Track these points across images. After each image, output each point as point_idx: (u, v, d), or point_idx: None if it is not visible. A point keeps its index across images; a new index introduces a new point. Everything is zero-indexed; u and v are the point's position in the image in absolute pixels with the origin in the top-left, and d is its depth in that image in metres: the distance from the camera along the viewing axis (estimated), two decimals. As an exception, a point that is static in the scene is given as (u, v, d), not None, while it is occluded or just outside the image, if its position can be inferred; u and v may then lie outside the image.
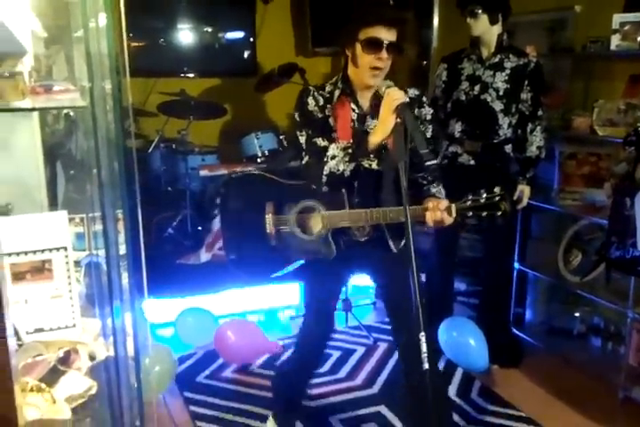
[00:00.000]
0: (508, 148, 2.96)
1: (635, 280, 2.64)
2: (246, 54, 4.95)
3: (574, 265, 3.15)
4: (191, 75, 4.73)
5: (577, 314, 3.26)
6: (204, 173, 4.01)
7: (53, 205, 1.92)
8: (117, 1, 1.33)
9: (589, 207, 2.99)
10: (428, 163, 1.71)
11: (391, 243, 1.99)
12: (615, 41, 2.76)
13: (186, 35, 4.77)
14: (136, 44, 4.48)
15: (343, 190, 1.94)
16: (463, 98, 2.97)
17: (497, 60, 2.91)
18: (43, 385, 1.26)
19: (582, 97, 3.30)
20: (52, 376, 1.35)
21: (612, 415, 2.64)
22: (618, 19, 2.74)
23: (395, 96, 1.80)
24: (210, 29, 4.85)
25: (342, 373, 2.99)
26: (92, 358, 1.40)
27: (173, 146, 4.23)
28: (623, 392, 2.72)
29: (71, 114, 1.31)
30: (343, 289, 2.87)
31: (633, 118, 2.76)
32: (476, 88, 2.94)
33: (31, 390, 1.27)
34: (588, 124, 2.91)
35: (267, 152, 4.22)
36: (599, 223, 2.93)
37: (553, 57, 3.30)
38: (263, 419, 2.52)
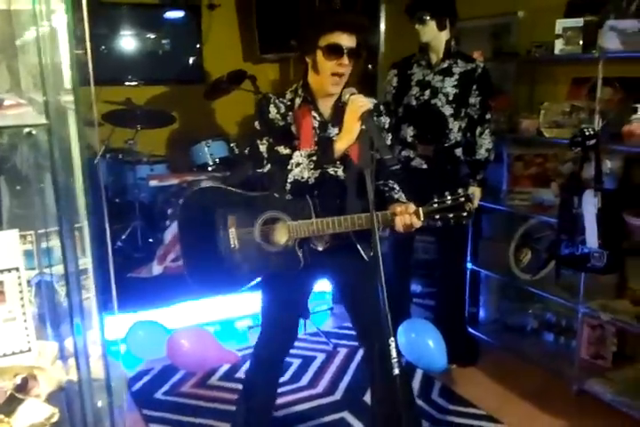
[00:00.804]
0: (459, 151, 3.02)
1: (584, 276, 2.73)
2: (193, 61, 4.90)
3: (525, 263, 3.24)
4: (136, 83, 4.62)
5: (529, 311, 3.36)
6: (153, 183, 3.93)
7: (-2, 222, 1.84)
8: (74, 7, 1.28)
9: (537, 207, 3.07)
10: (393, 168, 1.72)
11: (362, 250, 1.99)
12: (559, 45, 2.85)
13: (128, 42, 4.69)
14: (77, 51, 4.35)
15: (308, 199, 1.92)
16: (414, 103, 3.02)
17: (446, 65, 2.96)
18: (1, 416, 1.20)
19: (527, 100, 3.40)
20: (10, 405, 1.28)
21: (567, 408, 2.73)
22: (561, 24, 2.83)
23: (360, 103, 1.80)
24: (153, 36, 4.78)
25: (304, 381, 2.98)
26: (60, 387, 1.34)
27: (120, 156, 4.13)
28: (577, 385, 2.81)
29: (33, 132, 1.26)
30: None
31: (577, 120, 2.86)
32: (426, 93, 2.98)
33: (-12, 421, 1.21)
34: (535, 127, 3.00)
35: (218, 160, 4.18)
36: (547, 222, 3.02)
37: (498, 61, 3.38)
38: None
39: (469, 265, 3.34)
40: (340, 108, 1.91)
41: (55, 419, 1.28)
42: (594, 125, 2.63)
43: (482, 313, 3.52)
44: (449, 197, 1.84)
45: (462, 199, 1.83)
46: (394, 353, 1.54)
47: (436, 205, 1.85)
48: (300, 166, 1.88)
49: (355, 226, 1.87)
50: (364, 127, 1.77)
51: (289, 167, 1.89)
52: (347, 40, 1.85)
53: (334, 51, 1.85)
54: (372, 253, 1.90)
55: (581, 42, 2.73)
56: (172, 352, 2.95)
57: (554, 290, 2.97)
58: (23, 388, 1.33)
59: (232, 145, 4.28)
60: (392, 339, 1.55)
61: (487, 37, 3.60)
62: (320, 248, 1.98)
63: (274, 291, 2.14)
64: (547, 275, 3.04)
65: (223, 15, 4.87)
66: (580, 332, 2.91)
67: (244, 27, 4.99)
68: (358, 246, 1.98)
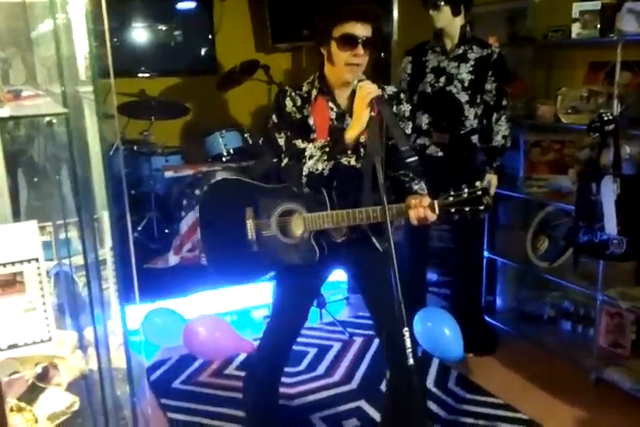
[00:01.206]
0: (475, 138, 2.99)
1: (603, 264, 2.70)
2: (205, 52, 4.88)
3: (542, 251, 3.21)
4: (149, 74, 4.64)
5: (547, 299, 3.33)
6: (168, 174, 3.94)
7: (16, 214, 1.85)
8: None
9: (555, 194, 3.04)
10: (409, 160, 1.69)
11: (376, 242, 1.97)
12: (576, 29, 2.80)
13: (141, 34, 4.68)
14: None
15: (324, 191, 1.90)
16: (429, 90, 2.99)
17: (461, 51, 2.93)
18: (23, 404, 1.22)
19: (545, 85, 3.36)
20: (31, 394, 1.30)
21: (586, 397, 2.71)
22: (577, 7, 2.78)
23: (367, 89, 1.77)
24: (167, 27, 4.77)
25: (320, 370, 2.99)
26: (81, 375, 1.35)
27: (135, 147, 4.14)
28: (596, 374, 2.79)
29: (53, 121, 1.26)
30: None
31: (595, 105, 2.82)
32: (442, 80, 2.95)
33: (11, 410, 1.22)
34: (553, 113, 2.96)
35: (232, 151, 4.17)
36: (565, 209, 2.99)
37: (514, 46, 3.33)
38: (241, 421, 2.48)
39: (486, 253, 3.32)
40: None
41: (76, 407, 1.30)
42: (612, 110, 2.58)
43: (499, 302, 3.50)
44: (466, 191, 1.77)
45: (479, 193, 1.77)
46: (408, 343, 1.53)
47: (451, 199, 1.78)
48: (314, 159, 1.87)
49: (370, 219, 1.83)
50: (373, 114, 1.75)
51: (303, 160, 1.88)
52: (361, 30, 1.82)
53: (349, 41, 1.82)
54: (386, 244, 1.88)
55: (599, 25, 2.68)
56: (188, 340, 2.97)
57: (572, 278, 2.94)
58: (44, 377, 1.35)
59: (246, 135, 4.27)
60: (406, 329, 1.54)
61: (502, 22, 3.55)
62: (338, 240, 1.97)
63: (288, 280, 2.13)
64: (564, 263, 3.00)
65: (235, 5, 4.85)
66: (599, 320, 2.88)
67: (255, 16, 4.97)
68: (373, 238, 1.96)
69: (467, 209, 1.77)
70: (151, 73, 4.63)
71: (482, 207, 1.76)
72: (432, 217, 1.78)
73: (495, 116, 2.96)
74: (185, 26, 4.81)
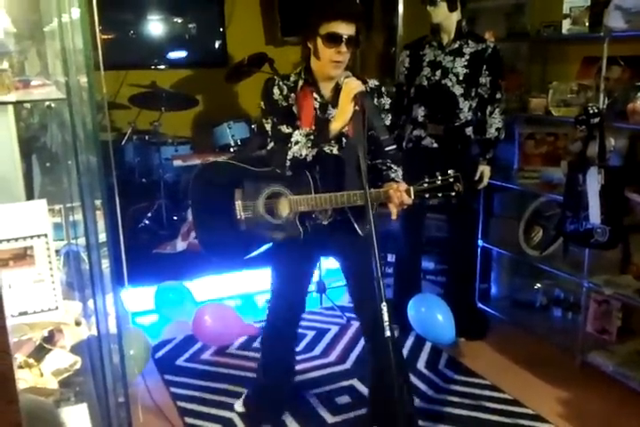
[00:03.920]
0: (469, 130, 3.09)
1: (589, 252, 2.80)
2: (217, 45, 5.00)
3: (535, 241, 3.32)
4: (162, 66, 4.78)
5: (539, 287, 3.44)
6: (177, 163, 4.08)
7: (30, 197, 1.99)
8: None
9: (547, 185, 3.13)
10: (388, 148, 1.83)
11: (357, 226, 2.11)
12: (566, 25, 2.89)
13: (156, 26, 4.80)
14: (106, 36, 4.51)
15: (309, 175, 2.05)
16: (425, 83, 3.09)
17: (456, 46, 3.03)
18: (31, 360, 1.36)
19: (540, 79, 3.44)
20: (39, 354, 1.44)
21: (570, 379, 2.82)
22: (568, 4, 2.87)
23: (352, 85, 1.91)
24: (179, 20, 4.89)
25: (317, 350, 3.13)
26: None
27: (146, 137, 4.29)
28: (581, 357, 2.90)
29: (52, 106, 1.40)
30: (315, 272, 2.98)
31: (585, 98, 2.90)
32: (437, 73, 3.06)
33: (20, 366, 1.37)
34: (544, 106, 3.05)
35: (239, 141, 4.30)
36: (557, 200, 3.07)
37: (511, 41, 3.43)
38: (240, 396, 2.64)
39: (481, 243, 3.43)
40: (339, 90, 2.02)
41: (77, 366, 1.44)
42: (599, 104, 2.67)
43: (493, 289, 3.61)
44: (439, 178, 1.96)
45: (452, 180, 1.94)
46: (386, 317, 1.66)
47: (426, 185, 1.98)
48: (299, 144, 2.01)
49: (351, 202, 2.00)
50: (357, 108, 1.88)
51: (289, 145, 2.02)
52: (345, 29, 1.96)
53: (333, 39, 1.96)
54: (367, 228, 2.02)
55: (588, 21, 2.76)
56: (197, 330, 3.13)
57: (561, 266, 3.04)
58: (50, 340, 1.49)
59: (253, 126, 4.40)
60: (384, 304, 1.66)
61: (502, 17, 3.63)
62: (325, 222, 2.11)
63: (282, 265, 2.29)
64: (555, 251, 3.10)
65: (245, -1, 4.96)
66: (586, 306, 2.98)
67: (266, 9, 5.07)
68: (353, 222, 2.10)
69: (439, 195, 1.93)
70: (164, 65, 4.78)
71: (453, 193, 1.91)
72: (408, 201, 1.96)
73: (489, 108, 3.06)
74: (198, 19, 4.93)
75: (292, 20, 4.89)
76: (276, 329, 2.42)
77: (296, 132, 2.03)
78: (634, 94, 2.60)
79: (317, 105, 2.10)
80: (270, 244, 2.18)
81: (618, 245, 2.65)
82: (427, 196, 1.97)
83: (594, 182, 2.60)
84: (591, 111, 2.57)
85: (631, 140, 2.78)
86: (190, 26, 4.94)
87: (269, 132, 2.09)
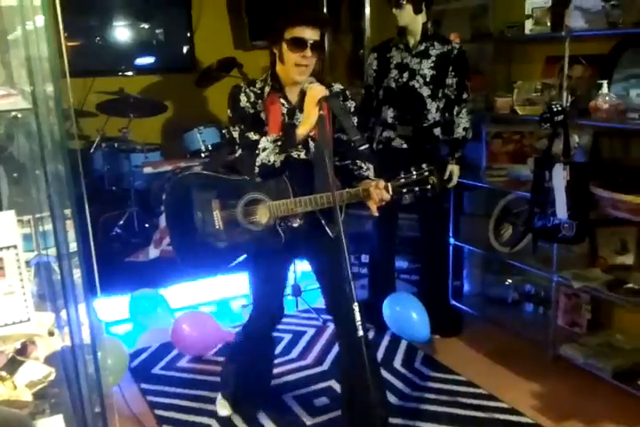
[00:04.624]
0: (437, 130, 3.14)
1: (557, 247, 2.86)
2: (185, 50, 4.98)
3: (505, 237, 3.37)
4: (129, 73, 4.75)
5: (510, 283, 3.50)
6: (147, 170, 4.04)
7: (-1, 208, 1.96)
8: (53, 3, 1.39)
9: (515, 182, 3.19)
10: (362, 148, 1.86)
11: (327, 227, 2.13)
12: (529, 25, 2.95)
13: (122, 32, 4.76)
14: (72, 43, 4.46)
15: (286, 179, 2.06)
16: (393, 85, 3.13)
17: (423, 48, 3.07)
18: (3, 373, 1.35)
19: (505, 79, 3.51)
20: (12, 366, 1.43)
21: (543, 372, 2.88)
22: (530, 4, 2.93)
23: (316, 91, 1.95)
24: (146, 26, 4.85)
25: (294, 353, 3.14)
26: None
27: (115, 145, 4.25)
28: (552, 351, 2.96)
29: (19, 116, 1.39)
30: (290, 275, 3.01)
31: (548, 97, 2.97)
32: (405, 75, 3.10)
33: (-8, 379, 1.35)
34: (510, 105, 3.11)
35: (210, 146, 4.29)
36: (525, 197, 3.13)
37: (476, 42, 3.48)
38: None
39: (452, 241, 3.48)
40: (305, 96, 2.04)
41: (52, 377, 1.43)
42: (562, 102, 2.74)
43: (466, 286, 3.67)
44: (414, 172, 1.99)
45: (426, 173, 1.98)
46: (358, 317, 1.68)
47: (402, 180, 2.01)
48: (267, 151, 2.02)
49: (330, 203, 2.01)
50: (322, 113, 1.91)
51: (257, 152, 2.03)
52: (310, 34, 1.99)
53: (298, 44, 1.99)
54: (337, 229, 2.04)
55: (549, 21, 2.83)
56: (177, 340, 3.11)
57: (531, 262, 3.10)
58: (23, 351, 1.48)
59: (224, 131, 4.39)
60: (356, 304, 1.68)
61: (466, 19, 3.70)
62: (295, 224, 2.13)
63: (259, 269, 2.30)
64: (525, 247, 3.17)
65: (213, 3, 4.94)
66: (556, 300, 3.04)
67: (233, 14, 5.06)
68: (323, 223, 2.12)
69: (416, 189, 1.96)
70: (131, 71, 4.74)
71: (429, 186, 1.95)
72: (387, 197, 1.99)
73: (456, 109, 3.11)
74: (165, 24, 4.90)
75: (259, 24, 4.90)
76: (258, 332, 2.44)
77: (263, 138, 2.05)
78: (596, 92, 2.66)
79: (285, 110, 2.12)
80: (251, 252, 2.18)
81: (585, 240, 2.71)
82: (404, 191, 2.00)
83: (560, 178, 2.66)
84: (555, 109, 2.63)
85: (594, 137, 2.84)
86: (157, 31, 4.91)
87: (237, 140, 2.10)
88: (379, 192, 1.99)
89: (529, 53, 3.37)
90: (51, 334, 1.52)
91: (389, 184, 2.00)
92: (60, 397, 1.47)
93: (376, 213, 2.03)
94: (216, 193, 2.12)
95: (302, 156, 2.11)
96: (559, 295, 3.08)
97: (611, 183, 2.59)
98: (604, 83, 2.61)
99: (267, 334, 2.48)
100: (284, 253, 2.24)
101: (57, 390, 1.46)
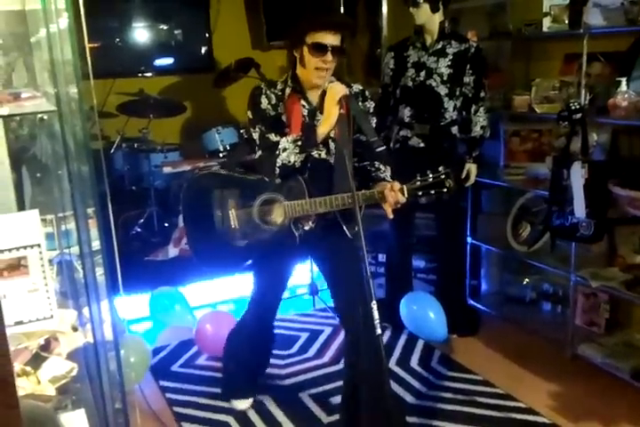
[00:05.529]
0: (455, 129, 3.13)
1: (575, 245, 2.85)
2: (203, 50, 5.02)
3: (523, 236, 3.36)
4: (149, 74, 4.80)
5: (528, 282, 3.48)
6: (167, 170, 4.09)
7: (21, 208, 2.01)
8: (77, 6, 1.41)
9: (533, 181, 3.17)
10: (379, 149, 1.87)
11: (345, 228, 2.13)
12: (547, 23, 2.94)
13: (142, 34, 4.81)
14: (92, 45, 4.53)
15: (301, 180, 2.07)
16: (410, 84, 3.13)
17: (440, 46, 3.07)
18: (28, 368, 1.39)
19: (524, 77, 3.49)
20: (36, 362, 1.47)
21: (561, 372, 2.86)
22: (548, 2, 2.92)
23: (336, 89, 1.96)
24: (165, 27, 4.90)
25: (311, 352, 3.15)
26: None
27: (135, 145, 4.30)
28: (571, 350, 2.94)
29: (45, 118, 1.42)
30: (306, 274, 3.02)
31: (567, 95, 2.95)
32: (422, 74, 3.10)
33: (17, 375, 1.39)
34: (528, 103, 3.09)
35: (228, 146, 4.33)
36: (543, 195, 3.12)
37: (494, 40, 3.47)
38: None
39: (469, 240, 3.47)
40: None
41: (74, 373, 1.47)
42: (581, 100, 2.72)
43: (483, 285, 3.65)
44: (430, 175, 1.98)
45: (443, 176, 1.97)
46: (376, 315, 1.69)
47: (418, 183, 2.00)
48: (287, 151, 2.04)
49: (345, 204, 2.02)
50: (342, 112, 1.92)
51: (277, 153, 2.04)
52: (331, 39, 2.00)
53: (319, 48, 2.01)
54: (355, 229, 2.04)
55: (567, 19, 2.81)
56: (200, 340, 3.14)
57: (549, 261, 3.08)
58: (47, 347, 1.52)
59: (242, 131, 4.42)
60: (374, 302, 1.69)
61: (484, 17, 3.68)
62: (307, 227, 2.14)
63: (264, 267, 2.32)
64: (543, 246, 3.15)
65: (231, 3, 4.97)
66: (574, 300, 3.02)
67: (251, 14, 5.09)
68: (342, 223, 2.12)
69: (432, 192, 1.96)
70: (150, 72, 4.80)
71: (445, 190, 1.95)
72: (402, 200, 1.98)
73: (474, 107, 3.11)
74: (183, 25, 4.95)
75: (277, 24, 4.93)
76: (251, 324, 2.48)
77: (283, 139, 2.06)
78: (614, 89, 2.64)
79: (306, 112, 2.13)
80: (265, 251, 2.20)
81: (603, 238, 2.69)
82: (420, 194, 1.99)
83: (578, 177, 2.64)
84: (573, 107, 2.61)
85: (613, 135, 2.82)
86: (176, 32, 4.96)
87: (257, 141, 2.12)
88: (394, 195, 1.97)
89: (547, 51, 3.35)
90: (75, 329, 1.56)
91: (405, 187, 1.99)
92: (82, 392, 1.51)
93: (391, 216, 2.03)
94: (232, 192, 2.15)
95: (323, 155, 2.13)
96: (577, 295, 3.06)
97: (629, 181, 2.57)
98: (623, 80, 2.59)
99: (263, 328, 2.52)
100: (295, 253, 2.26)
101: (79, 386, 1.49)
